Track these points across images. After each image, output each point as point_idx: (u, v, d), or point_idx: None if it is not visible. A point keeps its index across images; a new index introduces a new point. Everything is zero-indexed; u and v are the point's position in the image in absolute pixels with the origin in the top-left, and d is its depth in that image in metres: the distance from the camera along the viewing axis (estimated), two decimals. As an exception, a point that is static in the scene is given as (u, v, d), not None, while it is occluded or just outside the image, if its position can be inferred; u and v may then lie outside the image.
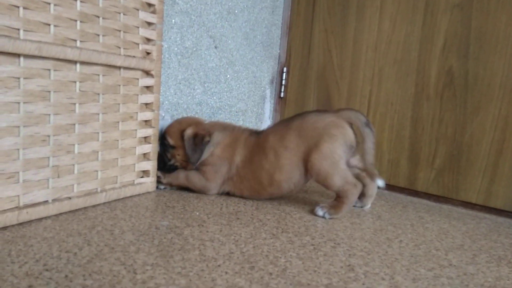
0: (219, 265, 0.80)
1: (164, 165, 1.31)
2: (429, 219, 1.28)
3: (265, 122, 1.91)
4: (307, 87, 1.83)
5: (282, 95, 1.91)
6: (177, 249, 0.86)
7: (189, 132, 1.24)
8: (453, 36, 1.44)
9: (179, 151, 1.28)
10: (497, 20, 1.36)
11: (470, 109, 1.42)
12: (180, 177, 1.30)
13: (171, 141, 1.28)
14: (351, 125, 1.17)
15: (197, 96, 1.49)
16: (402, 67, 1.57)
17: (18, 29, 0.88)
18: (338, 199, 1.19)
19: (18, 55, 0.89)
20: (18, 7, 0.87)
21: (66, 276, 0.70)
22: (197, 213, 1.11)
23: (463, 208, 1.45)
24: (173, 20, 1.36)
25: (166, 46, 1.35)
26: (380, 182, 1.20)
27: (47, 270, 0.72)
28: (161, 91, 1.36)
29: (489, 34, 1.38)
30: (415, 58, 1.53)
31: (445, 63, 1.47)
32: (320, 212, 1.18)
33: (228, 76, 1.63)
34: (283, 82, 1.90)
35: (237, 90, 1.69)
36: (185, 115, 1.46)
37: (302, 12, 1.84)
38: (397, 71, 1.58)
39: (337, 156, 1.13)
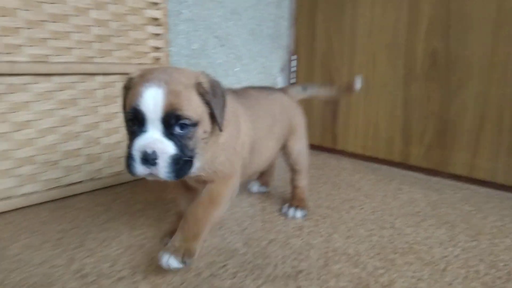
0: None
1: (181, 171, 0.76)
2: (407, 190, 1.43)
3: (279, 106, 2.12)
4: (313, 73, 2.00)
5: (292, 81, 2.10)
6: None
7: (206, 80, 0.79)
8: (435, 19, 1.53)
9: (204, 125, 0.78)
10: (474, 2, 1.42)
11: (453, 87, 1.52)
12: None
13: (193, 115, 0.75)
14: None
15: (207, 90, 1.74)
16: (392, 51, 1.68)
17: (48, 55, 1.19)
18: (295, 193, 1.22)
19: (50, 75, 1.21)
20: (47, 38, 1.18)
21: (84, 232, 1.00)
22: None
23: (451, 180, 1.57)
24: (180, 28, 1.61)
25: (175, 50, 1.61)
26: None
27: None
28: (174, 88, 1.63)
29: (467, 15, 1.45)
30: (403, 42, 1.64)
31: (429, 45, 1.56)
32: (299, 214, 1.15)
33: (236, 69, 1.86)
34: (293, 69, 2.08)
35: (247, 80, 1.91)
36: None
37: (306, 3, 1.99)
38: (388, 55, 1.69)
39: None
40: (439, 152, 1.59)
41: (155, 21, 1.45)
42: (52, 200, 1.24)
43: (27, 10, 1.13)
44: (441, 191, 1.43)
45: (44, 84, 1.20)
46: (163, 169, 0.72)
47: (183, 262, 0.78)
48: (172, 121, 0.73)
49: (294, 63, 2.08)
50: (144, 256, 0.90)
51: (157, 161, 0.72)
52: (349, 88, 1.29)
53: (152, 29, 1.45)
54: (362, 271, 0.85)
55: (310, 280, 0.81)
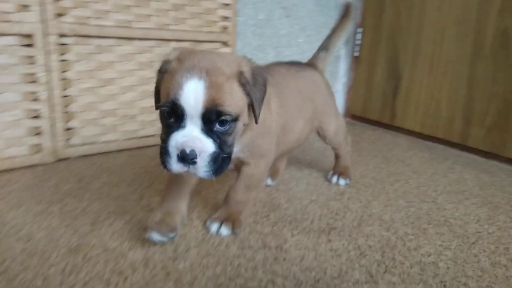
0: None
1: (220, 169, 0.73)
2: (459, 170, 1.43)
3: (339, 80, 2.15)
4: (378, 47, 1.99)
5: (356, 54, 2.11)
6: None
7: (247, 69, 0.74)
8: (511, -4, 1.46)
9: (244, 117, 0.75)
10: (557, -22, 1.34)
11: (522, 69, 1.45)
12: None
13: (234, 110, 0.70)
14: None
15: (269, 59, 1.83)
16: (462, 27, 1.63)
17: (131, 21, 1.35)
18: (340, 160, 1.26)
19: (132, 39, 1.37)
20: (131, 6, 1.34)
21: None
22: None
23: (508, 165, 1.53)
24: (248, -2, 1.70)
25: (242, 20, 1.70)
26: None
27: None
28: (239, 56, 1.74)
29: (548, -8, 1.37)
30: (473, 18, 1.58)
31: (501, 23, 1.49)
32: (342, 181, 1.22)
33: (300, 40, 1.91)
34: (357, 42, 2.09)
35: (309, 52, 1.95)
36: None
37: (377, -24, 1.96)
38: (458, 31, 1.65)
39: None
40: (499, 135, 1.55)
41: (225, -9, 1.56)
42: (129, 149, 1.44)
43: (115, -20, 1.29)
44: (494, 174, 1.41)
45: (127, 47, 1.37)
46: (202, 169, 0.69)
47: (234, 231, 0.86)
48: (212, 117, 0.68)
49: (359, 36, 2.08)
50: (200, 200, 1.05)
51: (196, 160, 0.68)
52: (346, 13, 1.26)
53: (222, -1, 1.55)
54: (392, 235, 0.92)
55: (341, 237, 0.90)
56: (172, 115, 0.69)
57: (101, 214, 0.95)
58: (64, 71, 1.26)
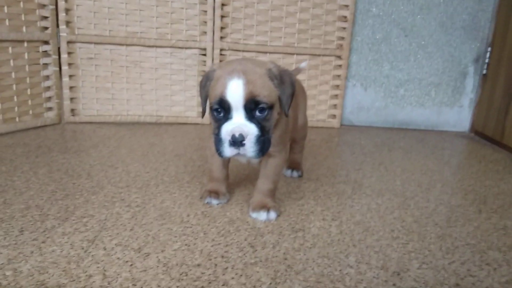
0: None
1: (264, 149, 0.91)
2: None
3: (466, 95, 2.27)
4: (501, 65, 2.05)
5: (484, 72, 2.19)
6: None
7: (275, 68, 0.93)
8: None
9: (277, 107, 0.94)
10: None
11: None
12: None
13: (268, 99, 0.89)
14: None
15: (384, 72, 2.20)
16: None
17: (267, 41, 2.05)
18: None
19: (267, 52, 2.07)
20: (267, 31, 2.03)
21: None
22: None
23: None
24: (367, 22, 2.13)
25: (359, 39, 2.16)
26: None
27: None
28: (354, 68, 2.20)
29: None
30: None
31: None
32: (295, 174, 1.40)
33: (419, 56, 2.19)
34: (486, 60, 2.17)
35: (429, 66, 2.20)
36: (371, 85, 2.21)
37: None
38: None
39: None
40: None
41: (343, 18, 2.06)
42: (255, 125, 2.15)
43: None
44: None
45: (262, 58, 2.08)
46: (250, 149, 0.87)
47: (278, 213, 1.06)
48: (252, 106, 0.86)
49: (488, 54, 2.16)
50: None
51: (244, 142, 0.85)
52: (298, 71, 1.45)
53: (340, 24, 2.07)
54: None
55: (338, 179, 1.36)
56: (220, 110, 0.89)
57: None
58: (221, 71, 2.07)
